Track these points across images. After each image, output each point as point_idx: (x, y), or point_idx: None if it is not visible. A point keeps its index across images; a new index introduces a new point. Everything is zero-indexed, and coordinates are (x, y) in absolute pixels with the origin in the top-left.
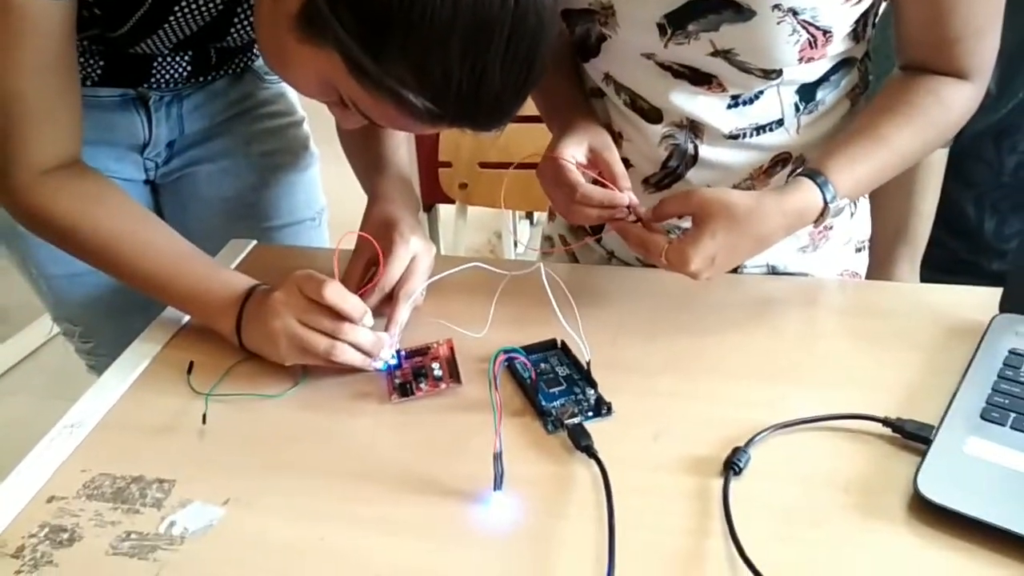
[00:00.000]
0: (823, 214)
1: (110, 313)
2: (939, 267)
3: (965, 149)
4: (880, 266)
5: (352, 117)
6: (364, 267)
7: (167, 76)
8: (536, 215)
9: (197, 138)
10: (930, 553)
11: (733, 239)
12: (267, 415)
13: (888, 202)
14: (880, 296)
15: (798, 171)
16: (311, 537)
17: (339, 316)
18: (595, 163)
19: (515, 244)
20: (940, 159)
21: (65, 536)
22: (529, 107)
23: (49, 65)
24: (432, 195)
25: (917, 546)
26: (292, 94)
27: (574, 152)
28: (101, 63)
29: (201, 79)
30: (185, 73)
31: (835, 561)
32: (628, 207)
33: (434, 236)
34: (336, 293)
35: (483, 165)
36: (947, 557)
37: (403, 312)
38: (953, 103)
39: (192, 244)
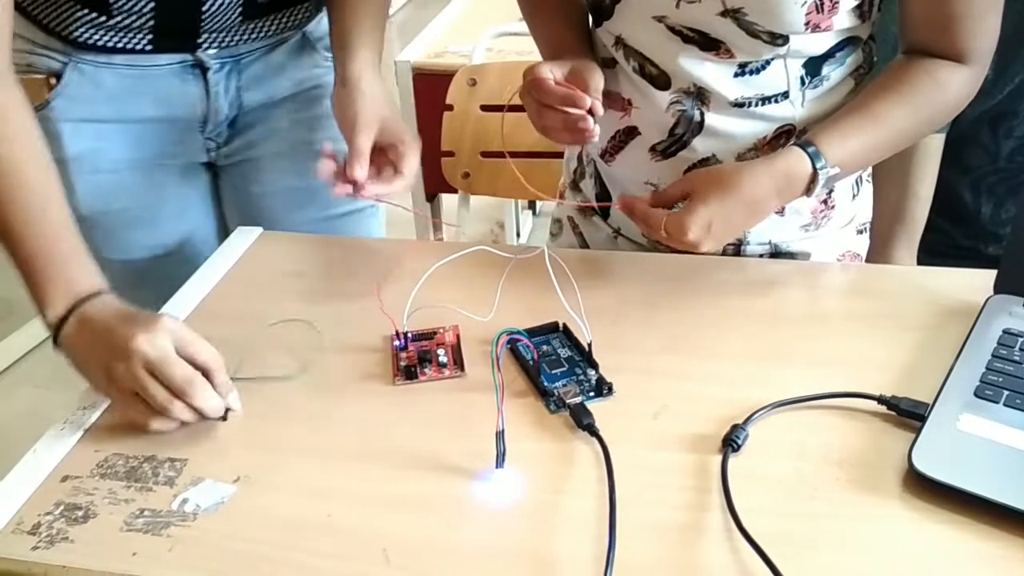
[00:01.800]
0: (813, 180)
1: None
2: (937, 252)
3: (962, 134)
4: (877, 250)
5: None
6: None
7: (219, 22)
8: (539, 205)
9: (257, 117)
10: (924, 525)
11: (727, 204)
12: (276, 397)
13: (885, 186)
14: (877, 278)
15: (790, 143)
16: (319, 513)
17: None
18: (574, 82)
19: (517, 234)
20: (937, 144)
21: (80, 513)
22: None
23: None
24: (435, 185)
25: (911, 519)
26: None
27: (553, 68)
28: (152, 7)
29: (256, 31)
30: (238, 18)
31: (831, 533)
32: (590, 111)
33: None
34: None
35: (485, 154)
36: (940, 529)
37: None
38: (949, 84)
39: (68, 216)
